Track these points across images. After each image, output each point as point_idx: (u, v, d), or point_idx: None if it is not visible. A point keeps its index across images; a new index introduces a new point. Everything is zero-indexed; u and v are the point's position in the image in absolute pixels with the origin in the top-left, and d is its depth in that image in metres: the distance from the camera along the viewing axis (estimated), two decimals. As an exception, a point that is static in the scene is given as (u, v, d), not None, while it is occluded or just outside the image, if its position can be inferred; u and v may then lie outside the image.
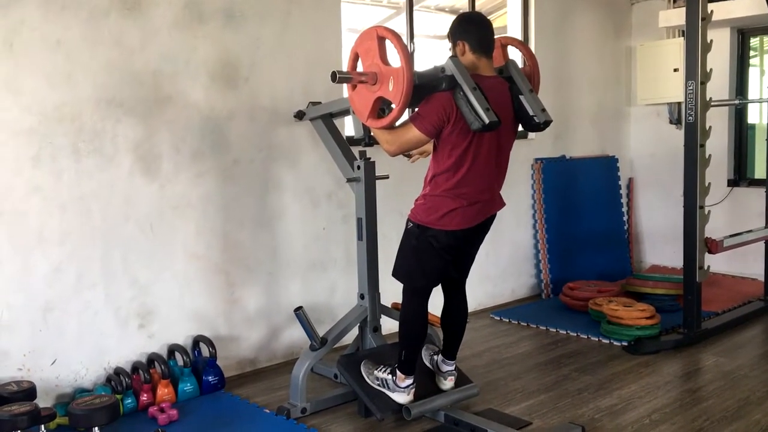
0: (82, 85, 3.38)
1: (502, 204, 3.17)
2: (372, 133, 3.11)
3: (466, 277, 3.32)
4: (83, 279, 3.44)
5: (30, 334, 3.31)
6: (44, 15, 3.26)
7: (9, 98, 3.19)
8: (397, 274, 3.19)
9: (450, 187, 2.97)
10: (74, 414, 2.86)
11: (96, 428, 2.86)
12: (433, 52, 5.49)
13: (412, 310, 3.17)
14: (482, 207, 3.04)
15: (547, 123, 3.03)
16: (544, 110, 3.02)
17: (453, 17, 3.13)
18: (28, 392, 3.06)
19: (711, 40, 4.34)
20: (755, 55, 6.01)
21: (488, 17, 3.22)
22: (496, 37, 3.10)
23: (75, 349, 3.44)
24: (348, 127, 4.21)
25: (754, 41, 5.95)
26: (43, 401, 3.25)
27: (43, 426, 2.93)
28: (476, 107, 2.77)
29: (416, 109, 2.96)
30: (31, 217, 3.28)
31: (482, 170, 2.97)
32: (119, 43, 3.48)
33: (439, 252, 3.06)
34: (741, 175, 5.97)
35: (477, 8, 5.18)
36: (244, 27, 3.92)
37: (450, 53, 3.04)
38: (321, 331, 3.53)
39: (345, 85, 3.15)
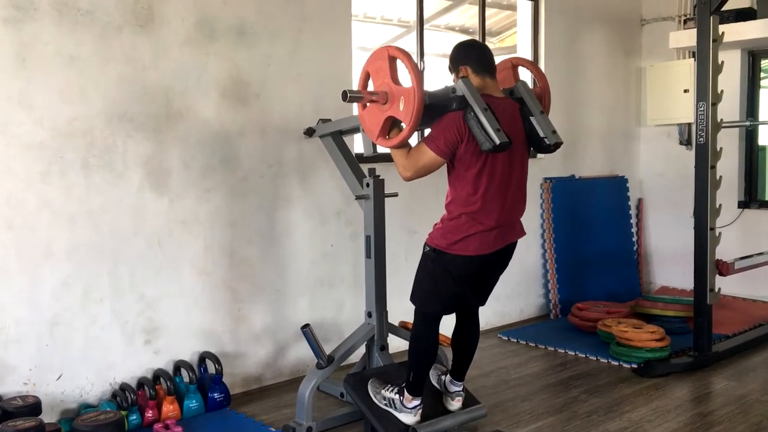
0: (94, 100, 3.40)
1: (522, 232, 3.15)
2: (390, 157, 3.06)
3: (484, 304, 3.27)
4: (90, 294, 3.44)
5: (36, 348, 3.30)
6: (57, 30, 3.28)
7: (21, 113, 3.21)
8: (413, 298, 3.15)
9: (466, 211, 2.94)
10: (79, 430, 2.85)
11: (100, 445, 2.85)
12: (444, 71, 5.49)
13: (423, 333, 3.14)
14: (500, 233, 3.01)
15: (557, 145, 3.02)
16: (554, 132, 3.02)
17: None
18: (33, 407, 3.05)
19: (722, 62, 4.34)
20: (766, 77, 5.99)
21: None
22: (506, 57, 3.12)
23: (81, 364, 3.43)
24: (357, 144, 4.21)
25: (765, 63, 5.93)
26: (48, 417, 3.23)
27: (47, 442, 2.91)
28: (487, 128, 2.77)
29: (428, 131, 2.95)
30: (40, 231, 3.28)
31: (498, 193, 2.96)
32: (131, 58, 3.50)
33: (456, 278, 3.02)
34: (752, 196, 5.93)
35: (486, 28, 5.20)
36: (256, 44, 3.94)
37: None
38: (328, 349, 3.51)
39: (355, 104, 3.15)
